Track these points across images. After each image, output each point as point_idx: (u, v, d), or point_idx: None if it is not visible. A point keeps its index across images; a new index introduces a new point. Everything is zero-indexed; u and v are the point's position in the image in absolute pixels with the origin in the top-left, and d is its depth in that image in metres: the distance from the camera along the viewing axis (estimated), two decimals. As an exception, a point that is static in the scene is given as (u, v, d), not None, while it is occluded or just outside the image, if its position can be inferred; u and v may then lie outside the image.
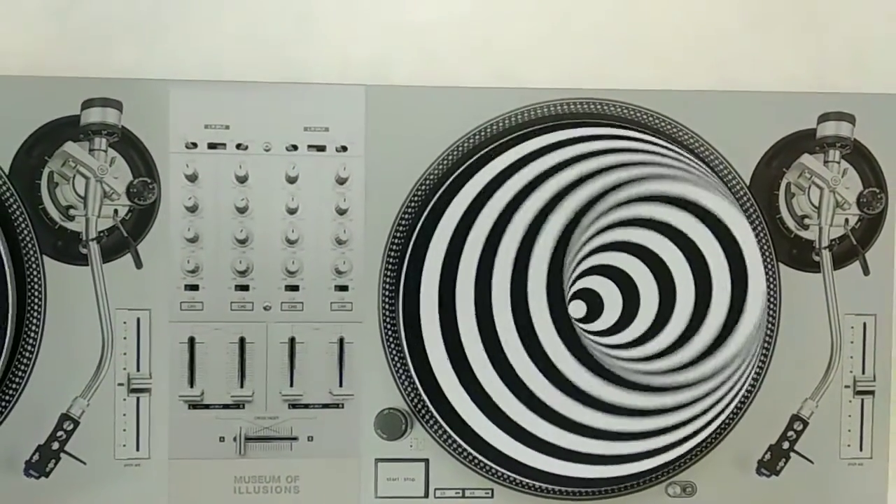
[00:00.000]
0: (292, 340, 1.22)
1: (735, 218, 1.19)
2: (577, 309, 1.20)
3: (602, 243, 1.19)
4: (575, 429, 1.19)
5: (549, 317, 1.18)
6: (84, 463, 1.20)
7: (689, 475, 1.25)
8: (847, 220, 1.24)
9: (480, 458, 1.21)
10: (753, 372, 1.22)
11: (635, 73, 1.23)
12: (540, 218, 1.19)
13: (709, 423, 1.21)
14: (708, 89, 1.24)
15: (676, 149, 1.20)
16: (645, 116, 1.23)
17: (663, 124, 1.23)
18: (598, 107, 1.23)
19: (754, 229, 1.22)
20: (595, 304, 1.20)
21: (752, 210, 1.23)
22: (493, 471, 1.23)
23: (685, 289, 1.20)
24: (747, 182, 1.23)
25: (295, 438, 1.22)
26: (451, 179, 1.20)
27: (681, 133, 1.23)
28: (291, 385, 1.22)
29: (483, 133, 1.22)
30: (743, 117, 1.23)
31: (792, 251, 1.24)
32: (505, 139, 1.20)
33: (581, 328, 1.19)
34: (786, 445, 1.23)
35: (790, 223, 1.24)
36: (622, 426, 1.19)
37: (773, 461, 1.24)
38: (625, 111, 1.23)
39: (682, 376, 1.19)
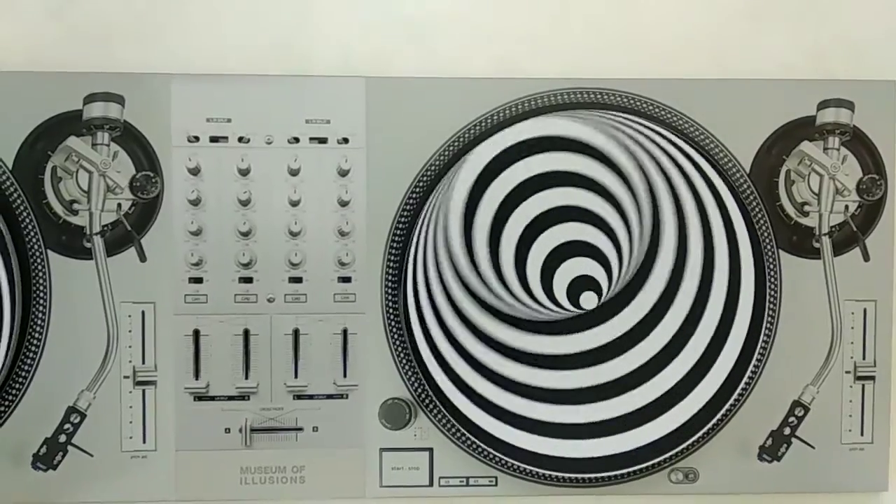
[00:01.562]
0: (296, 332, 1.22)
1: (733, 204, 1.20)
2: (587, 300, 1.20)
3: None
4: (569, 400, 1.19)
5: (548, 299, 1.19)
6: (91, 455, 1.21)
7: (692, 461, 1.25)
8: (847, 207, 1.25)
9: (484, 446, 1.22)
10: (755, 358, 1.22)
11: (634, 63, 1.24)
12: (545, 211, 1.19)
13: (711, 409, 1.21)
14: (707, 78, 1.24)
15: (674, 135, 1.20)
16: (644, 105, 1.23)
17: (663, 113, 1.23)
18: (598, 96, 1.23)
19: (754, 216, 1.22)
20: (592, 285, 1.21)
21: (752, 197, 1.24)
22: (497, 459, 1.23)
23: (690, 275, 1.21)
24: (747, 170, 1.24)
25: (300, 429, 1.23)
26: (452, 169, 1.20)
27: (680, 121, 1.23)
28: (296, 376, 1.22)
29: (484, 123, 1.23)
30: (742, 105, 1.24)
31: (792, 238, 1.25)
32: (501, 129, 1.21)
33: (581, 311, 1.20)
34: (787, 431, 1.24)
35: (790, 210, 1.25)
36: (617, 407, 1.20)
37: (774, 447, 1.24)
38: (624, 100, 1.23)
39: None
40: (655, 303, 1.21)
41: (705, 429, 1.24)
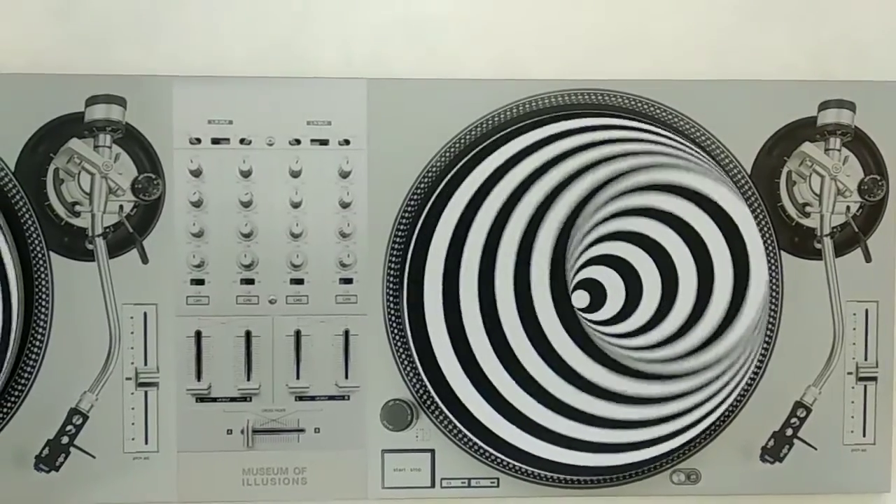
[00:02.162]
0: (298, 333, 1.23)
1: (736, 206, 1.20)
2: (580, 299, 1.20)
3: (604, 233, 1.20)
4: (579, 417, 1.19)
5: (553, 307, 1.19)
6: (93, 457, 1.22)
7: (694, 462, 1.25)
8: (848, 208, 1.25)
9: (486, 447, 1.22)
10: (756, 359, 1.22)
11: (636, 64, 1.24)
12: (542, 208, 1.19)
13: (712, 410, 1.21)
14: (708, 79, 1.24)
15: (677, 138, 1.20)
16: (645, 106, 1.24)
17: (664, 114, 1.24)
18: (599, 97, 1.24)
19: (756, 217, 1.22)
20: (598, 294, 1.21)
21: (753, 198, 1.24)
22: (499, 460, 1.23)
23: (687, 277, 1.21)
24: (748, 170, 1.24)
25: (302, 430, 1.23)
26: (454, 171, 1.21)
27: (682, 122, 1.24)
28: (298, 377, 1.23)
29: (485, 124, 1.23)
30: (743, 106, 1.24)
31: (794, 239, 1.25)
32: (506, 131, 1.21)
33: (584, 318, 1.20)
34: (789, 432, 1.24)
35: (791, 211, 1.25)
36: (626, 415, 1.20)
37: (776, 448, 1.24)
38: (625, 101, 1.24)
39: (686, 364, 1.20)
40: (656, 308, 1.21)
41: (707, 429, 1.23)
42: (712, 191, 1.20)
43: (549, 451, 1.21)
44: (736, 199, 1.20)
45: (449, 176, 1.21)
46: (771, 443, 1.25)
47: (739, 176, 1.24)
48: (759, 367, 1.24)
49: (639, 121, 1.21)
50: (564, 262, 1.20)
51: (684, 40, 1.25)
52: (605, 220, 1.20)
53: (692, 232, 1.20)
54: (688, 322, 1.21)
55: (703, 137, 1.24)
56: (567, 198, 1.20)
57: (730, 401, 1.22)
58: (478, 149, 1.21)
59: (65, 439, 1.21)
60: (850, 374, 1.25)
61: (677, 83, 1.24)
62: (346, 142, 1.22)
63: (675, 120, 1.24)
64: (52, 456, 1.21)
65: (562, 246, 1.20)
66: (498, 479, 1.25)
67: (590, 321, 1.20)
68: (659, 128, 1.21)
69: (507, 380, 1.20)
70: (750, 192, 1.24)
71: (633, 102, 1.24)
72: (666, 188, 1.19)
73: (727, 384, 1.21)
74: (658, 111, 1.23)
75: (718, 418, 1.22)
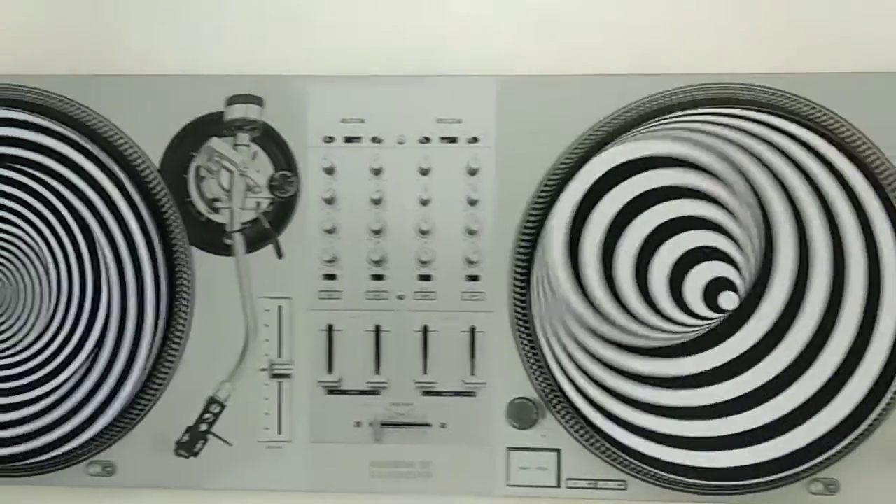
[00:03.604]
0: (425, 329, 1.24)
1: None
2: (726, 301, 1.18)
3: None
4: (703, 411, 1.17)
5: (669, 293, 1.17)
6: (230, 444, 1.26)
7: (833, 472, 1.21)
8: None
9: (613, 449, 1.20)
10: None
11: (772, 57, 1.20)
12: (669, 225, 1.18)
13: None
14: (850, 71, 1.19)
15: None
16: (783, 100, 1.20)
17: (803, 108, 1.19)
18: (736, 91, 1.21)
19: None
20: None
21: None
22: (626, 462, 1.22)
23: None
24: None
25: (428, 425, 1.24)
26: (582, 168, 1.20)
27: (823, 116, 1.19)
28: (425, 373, 1.24)
29: (616, 121, 1.22)
30: (891, 100, 1.19)
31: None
32: (637, 128, 1.19)
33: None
34: (203, 427, 1.24)
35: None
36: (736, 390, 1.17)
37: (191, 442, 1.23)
38: (763, 95, 1.20)
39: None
40: (780, 314, 1.17)
41: (849, 438, 1.18)
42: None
43: (674, 453, 1.19)
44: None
45: (578, 174, 1.20)
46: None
47: (886, 171, 1.18)
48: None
49: (777, 115, 1.18)
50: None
51: (829, 33, 1.20)
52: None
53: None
54: (819, 332, 1.16)
55: (844, 130, 1.19)
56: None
57: (877, 408, 1.16)
58: (608, 146, 1.20)
59: (203, 427, 1.26)
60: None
61: (820, 76, 1.20)
62: (475, 139, 1.23)
63: (816, 114, 1.19)
64: (191, 442, 1.26)
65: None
66: (626, 481, 1.23)
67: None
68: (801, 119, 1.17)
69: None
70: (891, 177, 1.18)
71: (770, 96, 1.20)
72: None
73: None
74: (796, 104, 1.19)
75: (864, 426, 1.17)
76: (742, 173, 1.17)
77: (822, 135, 1.18)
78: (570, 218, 1.19)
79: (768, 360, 1.17)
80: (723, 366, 1.18)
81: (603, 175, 1.18)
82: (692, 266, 1.18)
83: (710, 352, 1.18)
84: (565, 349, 1.19)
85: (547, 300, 1.19)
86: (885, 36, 1.20)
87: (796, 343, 1.17)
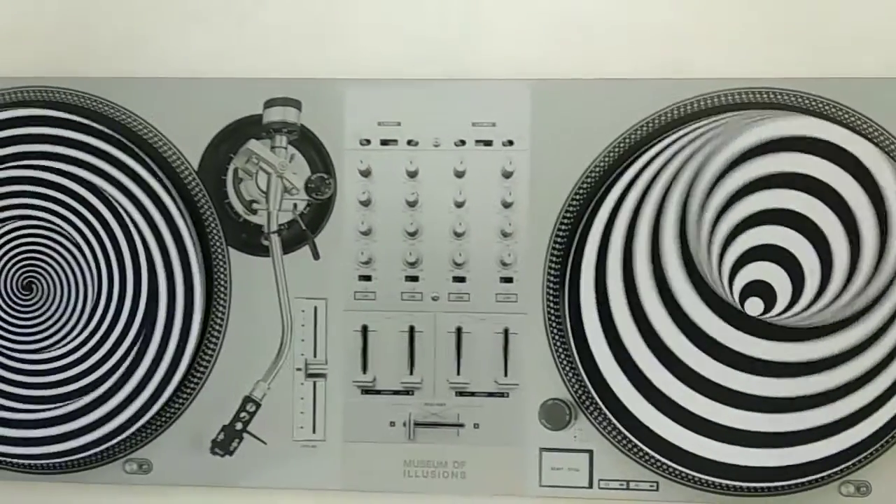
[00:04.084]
0: (459, 330, 1.25)
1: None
2: (752, 307, 1.19)
3: (749, 213, 1.18)
4: (734, 400, 1.18)
5: (693, 290, 1.18)
6: (265, 443, 1.27)
7: (864, 474, 1.21)
8: None
9: (646, 449, 1.21)
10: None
11: (804, 61, 1.22)
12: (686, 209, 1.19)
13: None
14: (877, 76, 1.21)
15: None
16: (817, 104, 1.21)
17: (840, 114, 1.20)
18: (772, 96, 1.22)
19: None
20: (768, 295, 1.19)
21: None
22: (659, 463, 1.23)
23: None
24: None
25: (461, 425, 1.26)
26: (616, 172, 1.21)
27: (859, 122, 1.20)
28: (458, 373, 1.26)
29: (650, 125, 1.23)
30: None
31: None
32: (671, 131, 1.21)
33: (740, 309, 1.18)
34: (238, 426, 1.26)
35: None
36: (785, 390, 1.17)
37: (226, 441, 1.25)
38: (796, 100, 1.21)
39: (849, 310, 1.16)
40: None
41: (881, 442, 1.19)
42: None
43: (708, 448, 1.19)
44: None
45: (612, 177, 1.22)
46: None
47: None
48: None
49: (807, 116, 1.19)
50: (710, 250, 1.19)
51: (861, 35, 1.21)
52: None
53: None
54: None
55: (880, 136, 1.20)
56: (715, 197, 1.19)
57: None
58: (643, 150, 1.21)
59: (238, 425, 1.27)
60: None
61: (855, 81, 1.21)
62: (510, 143, 1.25)
63: (853, 119, 1.20)
64: (226, 441, 1.28)
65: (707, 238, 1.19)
66: (657, 482, 1.24)
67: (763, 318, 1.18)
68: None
69: (664, 374, 1.19)
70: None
71: (806, 101, 1.21)
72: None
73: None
74: (829, 108, 1.20)
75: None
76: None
77: (857, 133, 1.19)
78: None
79: (828, 373, 1.18)
80: (778, 364, 1.19)
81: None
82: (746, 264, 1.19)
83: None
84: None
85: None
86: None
87: (873, 354, 1.18)
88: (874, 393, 1.18)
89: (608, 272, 1.20)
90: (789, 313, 1.19)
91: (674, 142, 1.20)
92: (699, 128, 1.20)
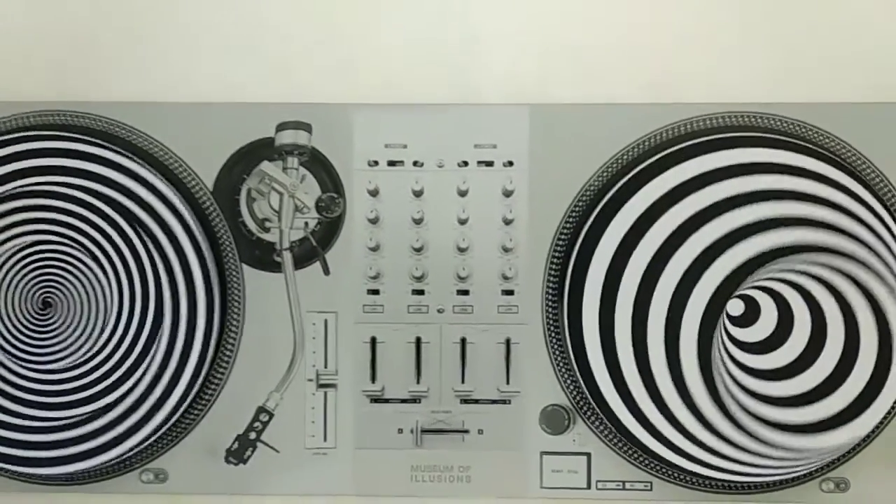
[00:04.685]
0: (463, 340, 1.32)
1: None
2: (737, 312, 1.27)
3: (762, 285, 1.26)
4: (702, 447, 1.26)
5: (703, 324, 1.26)
6: (277, 451, 1.33)
7: (843, 471, 1.30)
8: None
9: (640, 451, 1.29)
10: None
11: (787, 88, 1.30)
12: (706, 257, 1.26)
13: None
14: (864, 101, 1.29)
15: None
16: (800, 129, 1.29)
17: (817, 136, 1.29)
18: (752, 120, 1.30)
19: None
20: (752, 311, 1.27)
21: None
22: (651, 463, 1.30)
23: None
24: (896, 187, 1.29)
25: (466, 431, 1.32)
26: (611, 191, 1.29)
27: (839, 147, 1.29)
28: (463, 382, 1.32)
29: (640, 146, 1.31)
30: (891, 130, 1.29)
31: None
32: (663, 153, 1.28)
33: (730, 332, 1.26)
34: (252, 435, 1.32)
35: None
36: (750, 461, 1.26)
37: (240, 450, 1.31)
38: (779, 124, 1.30)
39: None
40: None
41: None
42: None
43: (699, 453, 1.27)
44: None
45: (607, 196, 1.29)
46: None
47: (891, 194, 1.28)
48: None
49: (797, 150, 1.27)
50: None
51: (837, 62, 1.30)
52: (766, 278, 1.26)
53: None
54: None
55: (857, 160, 1.28)
56: (734, 254, 1.27)
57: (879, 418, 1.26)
58: (634, 170, 1.29)
59: (252, 435, 1.33)
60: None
61: (830, 106, 1.29)
62: (510, 163, 1.32)
63: (832, 144, 1.29)
64: (240, 449, 1.33)
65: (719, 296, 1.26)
66: (651, 482, 1.32)
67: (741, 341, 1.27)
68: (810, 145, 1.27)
69: (646, 399, 1.28)
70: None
71: (788, 125, 1.29)
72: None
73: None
74: (813, 134, 1.29)
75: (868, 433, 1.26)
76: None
77: (832, 162, 1.28)
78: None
79: (803, 375, 1.26)
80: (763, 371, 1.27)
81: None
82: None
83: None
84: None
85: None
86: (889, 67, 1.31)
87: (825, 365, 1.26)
88: (848, 398, 1.26)
89: (619, 292, 1.27)
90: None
91: (665, 160, 1.28)
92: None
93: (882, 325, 1.25)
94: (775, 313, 1.26)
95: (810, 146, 1.28)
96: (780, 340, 1.26)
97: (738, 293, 1.26)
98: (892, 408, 1.28)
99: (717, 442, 1.26)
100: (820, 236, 1.26)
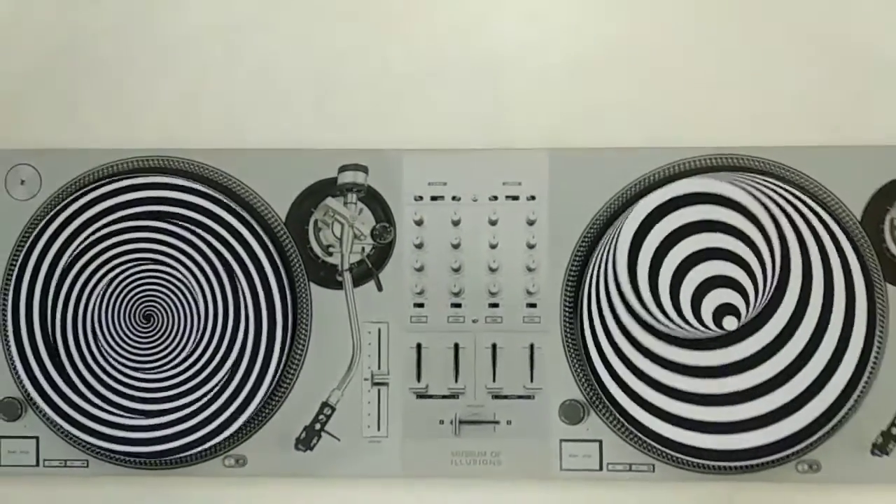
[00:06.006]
0: (494, 346, 1.54)
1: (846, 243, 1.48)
2: (728, 323, 1.49)
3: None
4: (715, 400, 1.47)
5: (697, 323, 1.50)
6: (339, 440, 1.53)
7: (815, 455, 1.52)
8: None
9: (644, 438, 1.51)
10: (868, 370, 1.49)
11: (762, 132, 1.55)
12: (687, 264, 1.49)
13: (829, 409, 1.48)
14: (824, 145, 1.53)
15: (796, 191, 1.50)
16: (771, 167, 1.54)
17: (787, 173, 1.53)
18: (733, 160, 1.54)
19: (864, 256, 1.49)
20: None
21: (862, 240, 1.52)
22: (654, 449, 1.52)
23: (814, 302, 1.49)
24: (858, 217, 1.52)
25: (497, 422, 1.53)
26: (617, 220, 1.53)
27: (802, 179, 1.52)
28: (494, 380, 1.53)
29: (641, 184, 1.54)
30: (852, 167, 1.52)
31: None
32: (656, 189, 1.53)
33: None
34: (895, 431, 1.50)
35: (895, 250, 1.52)
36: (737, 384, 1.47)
37: (884, 444, 1.49)
38: (755, 163, 1.54)
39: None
40: (785, 325, 1.49)
41: (828, 427, 1.47)
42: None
43: (694, 439, 1.48)
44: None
45: (614, 225, 1.53)
46: (880, 440, 1.49)
47: (851, 222, 1.52)
48: (869, 378, 1.50)
49: (763, 177, 1.51)
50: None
51: (801, 112, 1.54)
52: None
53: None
54: (811, 341, 1.49)
55: (817, 189, 1.52)
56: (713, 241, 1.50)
57: (847, 402, 1.49)
58: (635, 204, 1.53)
59: (317, 426, 1.52)
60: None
61: (797, 148, 1.52)
62: (532, 198, 1.55)
63: (797, 177, 1.52)
64: (307, 438, 1.53)
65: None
66: (654, 465, 1.53)
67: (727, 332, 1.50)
68: (780, 182, 1.51)
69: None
70: (860, 235, 1.52)
71: (762, 164, 1.54)
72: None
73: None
74: (783, 171, 1.52)
75: (838, 417, 1.49)
76: (769, 212, 1.48)
77: (806, 192, 1.51)
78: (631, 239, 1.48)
79: (772, 360, 1.47)
80: (733, 364, 1.48)
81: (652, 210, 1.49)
82: (709, 291, 1.49)
83: (720, 351, 1.49)
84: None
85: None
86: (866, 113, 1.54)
87: (794, 351, 1.48)
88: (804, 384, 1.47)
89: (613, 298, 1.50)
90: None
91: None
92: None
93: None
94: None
95: (786, 182, 1.52)
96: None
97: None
98: (860, 395, 1.49)
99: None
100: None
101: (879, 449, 1.48)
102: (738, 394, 1.47)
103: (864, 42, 1.53)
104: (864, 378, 1.47)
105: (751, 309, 1.46)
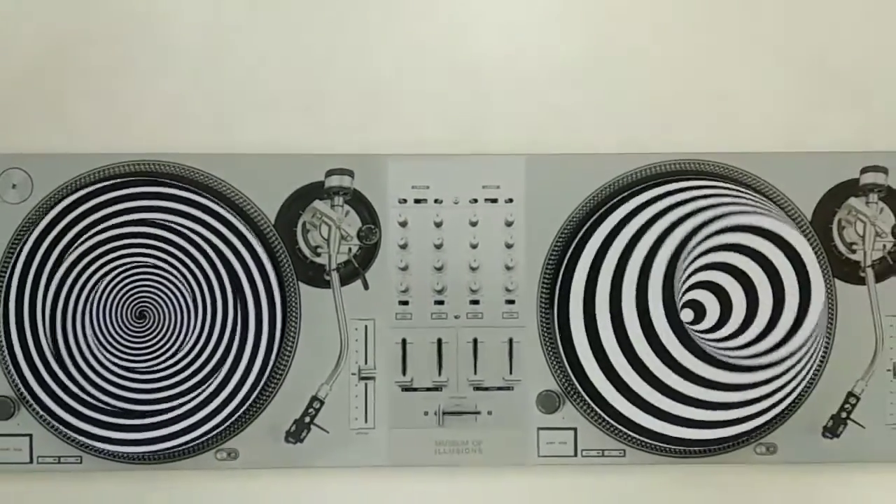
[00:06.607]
0: (475, 340, 1.61)
1: (801, 243, 1.61)
2: (686, 315, 1.61)
3: (701, 264, 1.62)
4: (684, 400, 1.59)
5: (666, 318, 1.60)
6: (327, 432, 1.58)
7: (772, 438, 1.65)
8: (884, 246, 1.65)
9: (616, 425, 1.62)
10: (818, 359, 1.63)
11: (725, 139, 1.66)
12: (655, 248, 1.61)
13: (784, 397, 1.61)
14: (779, 151, 1.64)
15: (755, 195, 1.63)
16: (731, 171, 1.65)
17: (745, 177, 1.65)
18: (697, 165, 1.66)
19: (815, 252, 1.63)
20: (700, 310, 1.61)
21: (812, 238, 1.65)
22: (625, 436, 1.63)
23: (765, 297, 1.61)
24: (809, 217, 1.65)
25: (478, 412, 1.60)
26: (589, 221, 1.63)
27: (759, 183, 1.65)
28: (475, 373, 1.60)
29: (611, 187, 1.64)
30: (805, 170, 1.64)
31: (843, 269, 1.64)
32: (628, 192, 1.64)
33: (689, 327, 1.62)
34: (843, 415, 1.63)
35: (841, 248, 1.65)
36: (718, 398, 1.59)
37: (834, 426, 1.63)
38: (719, 168, 1.66)
39: (763, 359, 1.61)
40: (742, 319, 1.61)
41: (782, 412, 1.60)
42: (781, 230, 1.61)
43: (662, 427, 1.59)
44: (800, 236, 1.62)
45: (587, 225, 1.61)
46: (830, 423, 1.61)
47: (802, 221, 1.65)
48: (819, 365, 1.64)
49: (724, 181, 1.64)
50: (672, 287, 1.61)
51: (765, 119, 1.65)
52: (702, 254, 1.62)
53: (768, 262, 1.62)
54: (765, 329, 1.61)
55: (772, 192, 1.65)
56: (673, 238, 1.62)
57: (799, 389, 1.62)
58: (606, 205, 1.63)
59: (307, 419, 1.56)
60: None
61: (757, 154, 1.63)
62: (510, 200, 1.63)
63: (754, 182, 1.65)
64: (297, 431, 1.57)
65: (670, 275, 1.61)
66: (624, 450, 1.63)
67: (694, 330, 1.62)
68: (738, 186, 1.63)
69: (632, 374, 1.59)
70: (809, 233, 1.65)
71: (722, 168, 1.65)
72: (747, 229, 1.61)
73: (796, 376, 1.61)
74: (736, 173, 1.64)
75: (790, 403, 1.62)
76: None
77: (762, 194, 1.64)
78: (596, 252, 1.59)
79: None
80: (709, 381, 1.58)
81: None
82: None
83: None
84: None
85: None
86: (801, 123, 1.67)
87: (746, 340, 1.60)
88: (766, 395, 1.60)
89: (597, 296, 1.58)
90: (715, 335, 1.60)
91: (627, 196, 1.63)
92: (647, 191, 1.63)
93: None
94: (717, 305, 1.60)
95: (737, 183, 1.64)
96: (726, 318, 1.58)
97: (684, 299, 1.60)
98: (812, 380, 1.62)
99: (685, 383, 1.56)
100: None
101: (830, 432, 1.60)
102: (698, 400, 1.58)
103: (816, 54, 1.64)
104: (815, 366, 1.59)
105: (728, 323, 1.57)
